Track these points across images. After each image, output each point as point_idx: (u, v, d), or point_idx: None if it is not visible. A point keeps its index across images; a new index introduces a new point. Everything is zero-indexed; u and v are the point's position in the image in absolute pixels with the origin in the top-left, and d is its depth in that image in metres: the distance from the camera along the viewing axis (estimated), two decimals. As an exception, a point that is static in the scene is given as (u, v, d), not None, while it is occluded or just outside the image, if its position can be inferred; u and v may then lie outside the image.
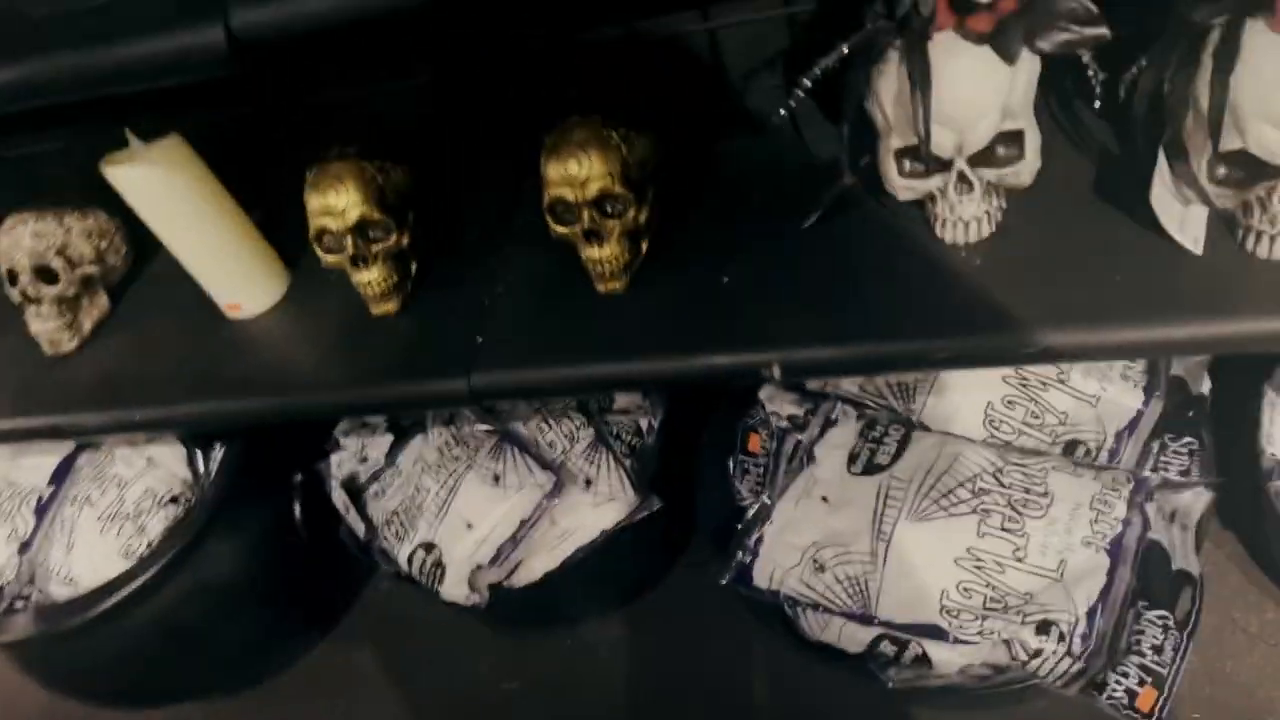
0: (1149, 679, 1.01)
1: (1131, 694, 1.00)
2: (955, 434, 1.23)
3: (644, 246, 1.05)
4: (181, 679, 1.52)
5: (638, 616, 1.49)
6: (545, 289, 1.08)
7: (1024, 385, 1.23)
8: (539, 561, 1.28)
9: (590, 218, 0.99)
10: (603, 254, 1.01)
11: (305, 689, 1.60)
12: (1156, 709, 0.99)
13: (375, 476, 1.41)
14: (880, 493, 1.18)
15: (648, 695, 1.42)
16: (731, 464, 1.37)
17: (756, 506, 1.27)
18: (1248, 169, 0.82)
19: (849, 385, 1.31)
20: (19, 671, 1.47)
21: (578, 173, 0.97)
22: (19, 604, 1.34)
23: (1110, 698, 1.00)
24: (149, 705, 1.61)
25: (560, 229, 1.02)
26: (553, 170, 0.98)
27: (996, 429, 1.23)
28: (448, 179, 1.22)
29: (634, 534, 1.31)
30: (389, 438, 1.44)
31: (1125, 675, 1.01)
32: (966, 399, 1.24)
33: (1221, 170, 0.82)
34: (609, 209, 1.00)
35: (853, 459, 1.23)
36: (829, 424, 1.28)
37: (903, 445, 1.21)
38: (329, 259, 1.09)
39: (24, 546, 1.32)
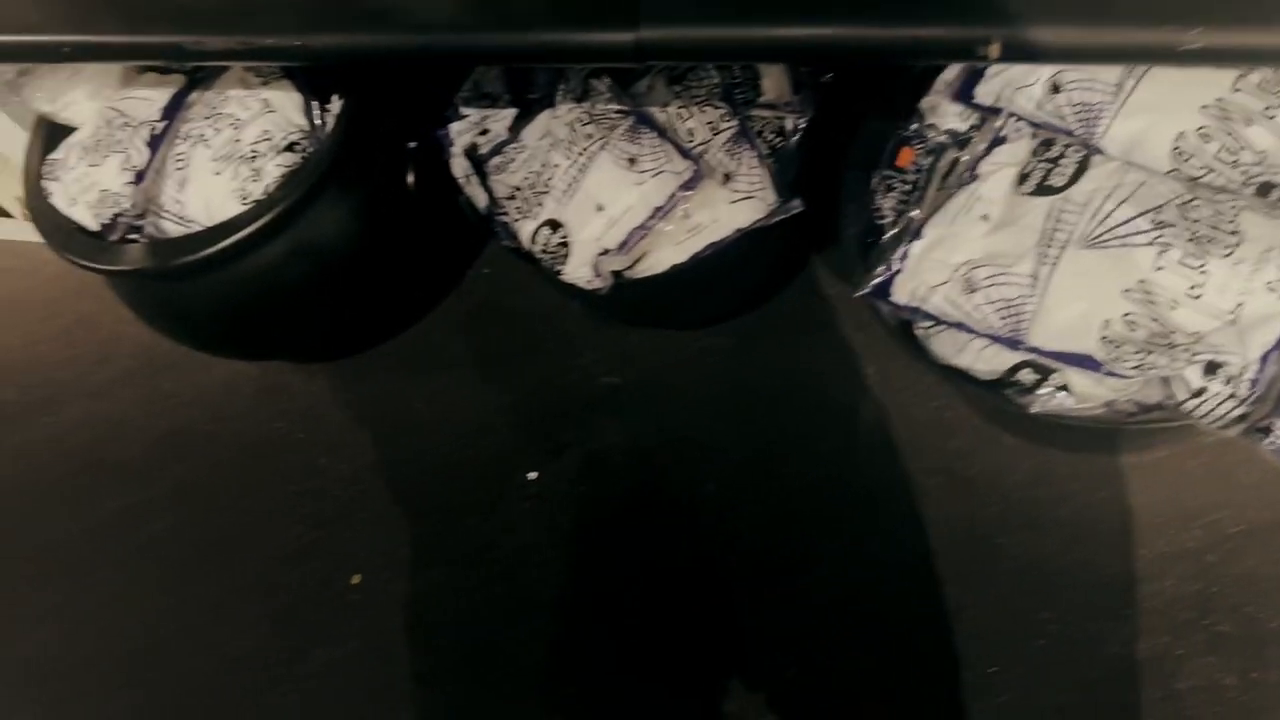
0: (1317, 429, 0.96)
1: (1298, 441, 0.95)
2: (1138, 164, 1.13)
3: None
4: (279, 335, 1.52)
5: (755, 324, 1.45)
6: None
7: (1224, 118, 1.11)
8: (666, 254, 1.22)
9: None
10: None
11: (398, 365, 1.60)
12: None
13: (497, 150, 1.34)
14: (1051, 215, 1.10)
15: (752, 399, 1.41)
16: (875, 178, 1.28)
17: (905, 221, 1.19)
18: None
19: (1024, 102, 1.19)
20: (123, 304, 1.48)
21: None
22: (132, 235, 1.31)
23: (1273, 444, 0.96)
24: (244, 355, 1.63)
25: None
26: None
27: (1185, 162, 1.12)
28: None
29: (765, 238, 1.25)
30: (512, 111, 1.35)
31: (1293, 423, 0.96)
32: (1156, 128, 1.13)
33: None
34: None
35: (1023, 178, 1.13)
36: (998, 141, 1.18)
37: (1081, 169, 1.12)
38: None
39: (138, 177, 1.28)
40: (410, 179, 1.42)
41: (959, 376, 1.16)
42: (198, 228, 1.31)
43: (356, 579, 1.44)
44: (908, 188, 1.27)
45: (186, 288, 1.36)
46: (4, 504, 1.66)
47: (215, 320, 1.43)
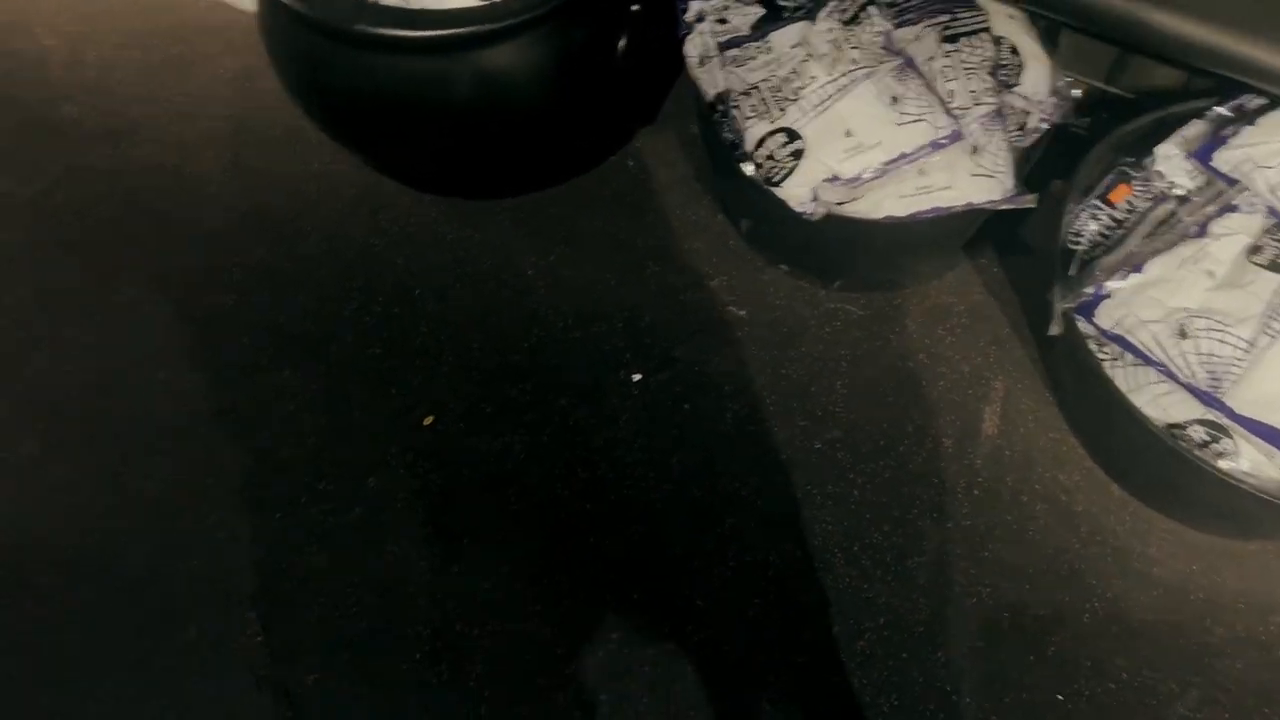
0: None
1: None
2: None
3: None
4: (420, 149, 1.42)
5: (893, 302, 1.44)
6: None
7: None
8: (887, 203, 1.20)
9: None
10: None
11: (517, 223, 1.54)
12: None
13: (734, 44, 1.29)
14: (1280, 292, 1.13)
15: (874, 372, 1.40)
16: (1082, 203, 1.29)
17: (1124, 252, 1.20)
18: None
19: (1261, 183, 1.22)
20: (271, 58, 1.37)
21: None
22: (346, -9, 1.21)
23: None
24: (372, 156, 1.52)
25: None
26: None
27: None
28: None
29: (967, 224, 1.25)
30: (757, 11, 1.31)
31: None
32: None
33: None
34: None
35: (1255, 250, 1.16)
36: (1230, 207, 1.21)
37: (1311, 263, 1.15)
38: None
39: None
40: (621, 44, 1.35)
41: (1123, 414, 1.18)
42: (431, 7, 1.21)
43: (429, 420, 1.36)
44: (1112, 223, 1.29)
45: (370, 63, 1.26)
46: (52, 221, 1.50)
47: (372, 107, 1.32)
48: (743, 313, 1.45)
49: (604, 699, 1.18)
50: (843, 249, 1.33)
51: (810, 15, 1.27)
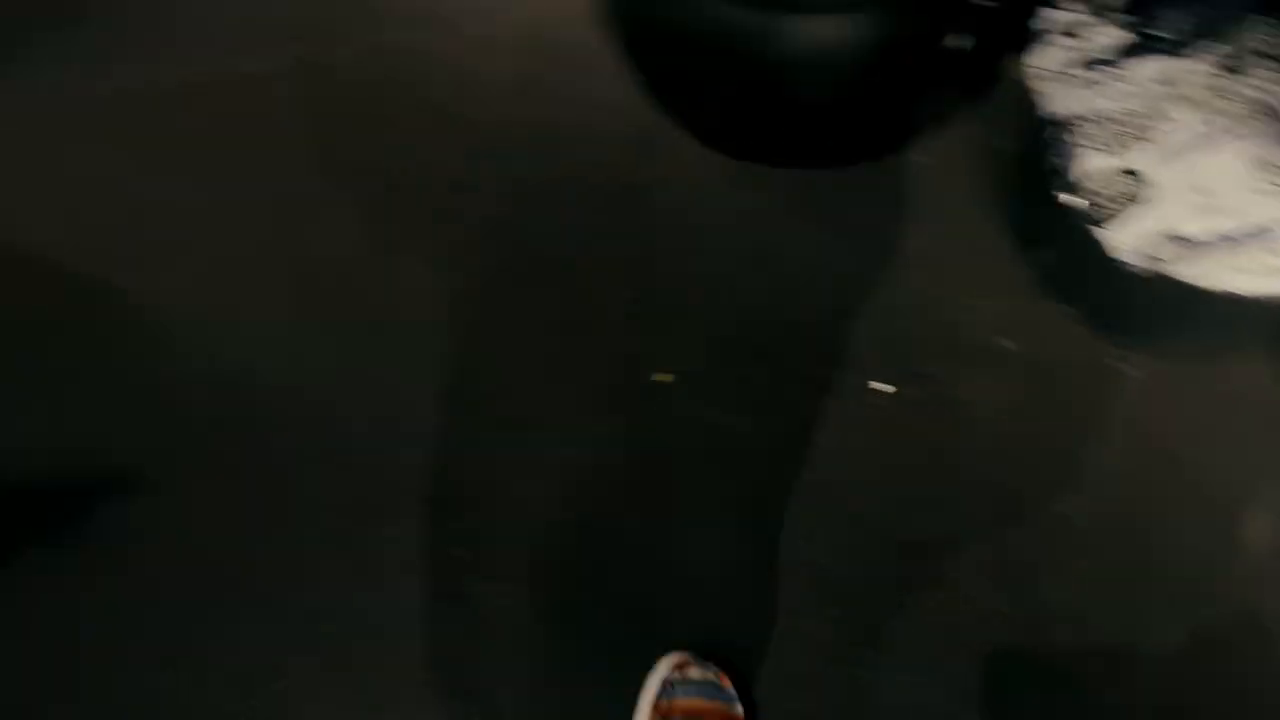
0: None
1: None
2: None
3: None
4: (709, 96, 1.39)
5: (1178, 373, 1.31)
6: None
7: None
8: (1225, 275, 1.09)
9: None
10: None
11: (782, 197, 1.46)
12: None
13: (1085, 64, 1.18)
14: None
15: (1146, 443, 1.28)
16: None
17: None
18: None
19: None
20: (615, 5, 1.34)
21: None
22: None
23: None
24: (665, 96, 1.48)
25: None
26: None
27: None
28: None
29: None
30: (1119, 35, 1.19)
31: None
32: None
33: None
34: None
35: None
36: None
37: None
38: None
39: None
40: (966, 42, 1.26)
41: None
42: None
43: (664, 378, 1.33)
44: None
45: (698, 5, 1.22)
46: (340, 94, 1.54)
47: (686, 49, 1.29)
48: (1011, 345, 1.35)
49: (792, 708, 1.14)
50: (1151, 309, 1.22)
51: (1180, 52, 1.15)
